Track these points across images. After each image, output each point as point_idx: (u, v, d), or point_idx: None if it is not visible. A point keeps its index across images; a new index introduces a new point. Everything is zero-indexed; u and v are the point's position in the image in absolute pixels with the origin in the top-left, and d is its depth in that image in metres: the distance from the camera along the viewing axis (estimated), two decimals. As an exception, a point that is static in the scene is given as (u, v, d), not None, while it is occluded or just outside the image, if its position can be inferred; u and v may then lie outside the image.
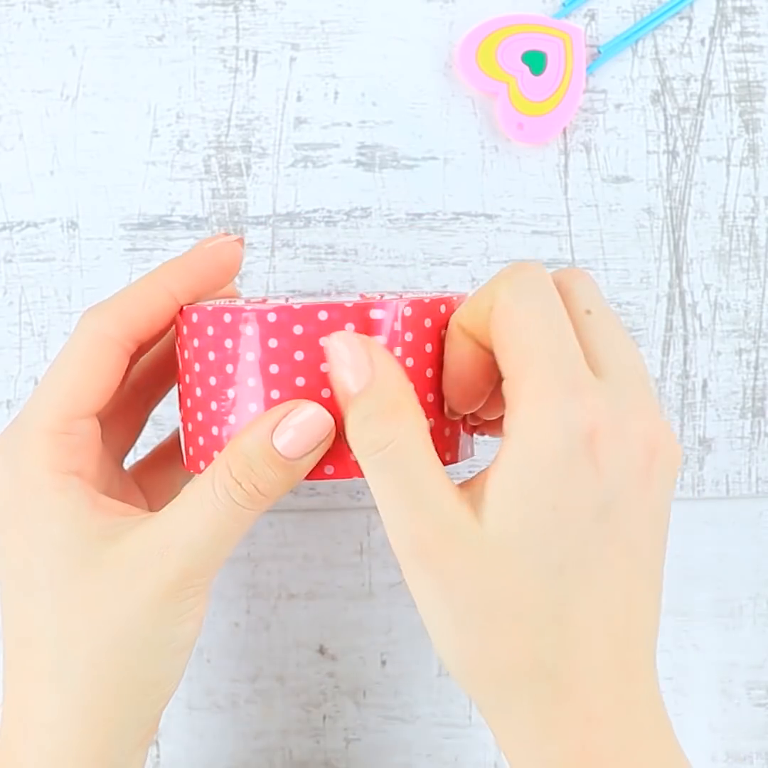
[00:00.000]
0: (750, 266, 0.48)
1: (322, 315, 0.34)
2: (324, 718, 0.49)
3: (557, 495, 0.31)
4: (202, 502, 0.34)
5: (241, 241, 0.38)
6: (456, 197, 0.47)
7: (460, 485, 0.33)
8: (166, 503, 0.40)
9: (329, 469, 0.35)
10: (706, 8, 0.47)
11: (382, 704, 0.49)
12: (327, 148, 0.47)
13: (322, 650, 0.49)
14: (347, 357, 0.33)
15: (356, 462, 0.33)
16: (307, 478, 0.34)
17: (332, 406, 0.34)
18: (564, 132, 0.47)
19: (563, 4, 0.47)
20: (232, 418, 0.35)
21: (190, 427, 0.37)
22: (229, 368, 0.35)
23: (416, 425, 0.32)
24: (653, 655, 0.34)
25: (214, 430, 0.35)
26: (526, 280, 0.33)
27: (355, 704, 0.49)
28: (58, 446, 0.35)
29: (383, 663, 0.49)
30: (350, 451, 0.34)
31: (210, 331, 0.35)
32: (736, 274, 0.48)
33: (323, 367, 0.34)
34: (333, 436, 0.34)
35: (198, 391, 0.36)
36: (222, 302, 0.37)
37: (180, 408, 0.38)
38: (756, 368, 0.48)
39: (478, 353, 0.35)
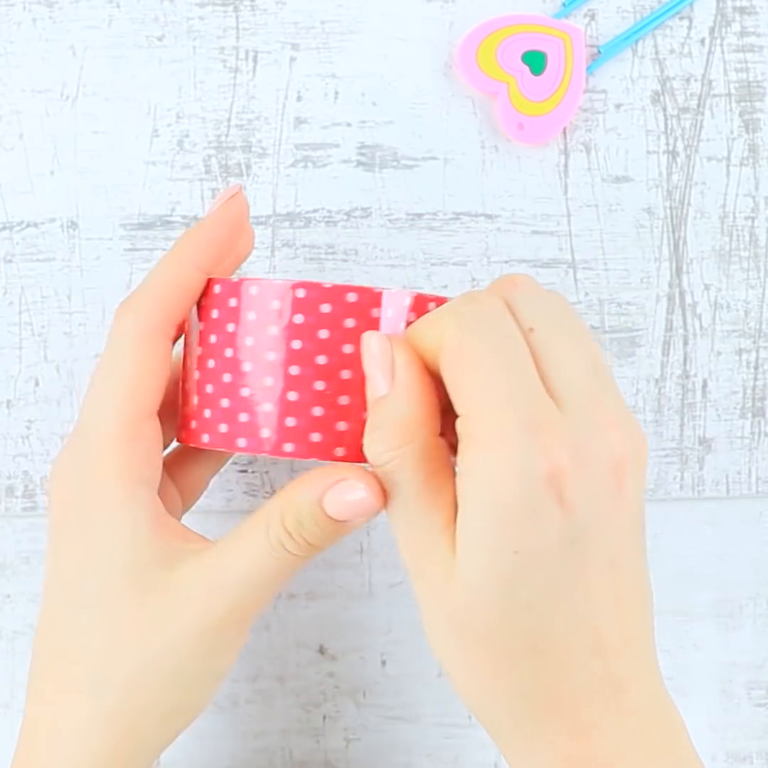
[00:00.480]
0: (750, 266, 0.48)
1: (407, 300, 0.35)
2: (324, 718, 0.49)
3: (518, 540, 0.30)
4: (253, 548, 0.34)
5: (239, 187, 0.37)
6: (456, 197, 0.47)
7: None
8: (196, 498, 0.42)
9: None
10: (706, 8, 0.47)
11: (382, 704, 0.49)
12: (327, 148, 0.47)
13: (322, 650, 0.49)
14: (377, 361, 0.33)
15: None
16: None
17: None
18: (564, 132, 0.47)
19: (563, 4, 0.47)
20: (291, 395, 0.34)
21: (224, 402, 0.35)
22: (297, 344, 0.34)
23: (416, 450, 0.32)
24: (651, 658, 0.33)
25: (267, 407, 0.35)
26: (474, 313, 0.32)
27: (355, 704, 0.49)
28: (127, 454, 0.35)
29: (383, 663, 0.49)
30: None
31: (276, 304, 0.34)
32: (736, 274, 0.48)
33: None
34: (382, 501, 0.33)
35: (245, 366, 0.35)
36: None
37: (204, 384, 0.36)
38: (756, 368, 0.48)
39: (438, 383, 0.33)
